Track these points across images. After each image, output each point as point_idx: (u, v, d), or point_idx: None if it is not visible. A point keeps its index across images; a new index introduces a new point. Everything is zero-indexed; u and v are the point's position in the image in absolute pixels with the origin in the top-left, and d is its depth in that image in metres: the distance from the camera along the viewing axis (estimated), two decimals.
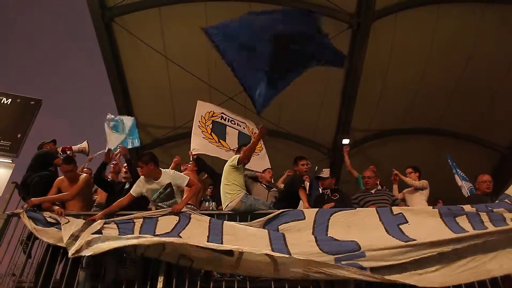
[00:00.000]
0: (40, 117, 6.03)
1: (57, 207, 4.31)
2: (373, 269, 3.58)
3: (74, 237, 3.88)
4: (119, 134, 6.14)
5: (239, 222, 4.18)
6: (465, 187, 7.10)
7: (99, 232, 3.87)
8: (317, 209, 4.29)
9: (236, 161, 4.57)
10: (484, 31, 8.95)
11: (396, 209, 4.18)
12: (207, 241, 3.77)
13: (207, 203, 5.94)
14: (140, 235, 3.78)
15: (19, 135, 5.36)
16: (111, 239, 3.75)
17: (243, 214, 4.33)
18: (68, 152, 5.59)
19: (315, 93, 10.22)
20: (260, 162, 6.65)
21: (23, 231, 4.38)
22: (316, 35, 4.01)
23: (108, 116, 6.26)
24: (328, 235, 3.89)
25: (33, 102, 5.71)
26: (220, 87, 9.47)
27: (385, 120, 11.12)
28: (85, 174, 4.93)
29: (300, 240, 3.83)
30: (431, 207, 4.17)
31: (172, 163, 6.17)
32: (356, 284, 3.85)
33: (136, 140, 6.31)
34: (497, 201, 4.32)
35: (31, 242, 4.40)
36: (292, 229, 4.01)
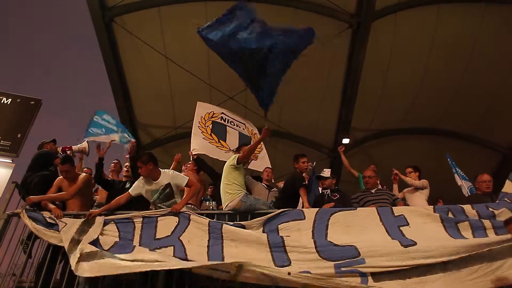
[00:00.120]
0: (40, 117, 6.03)
1: (53, 207, 4.31)
2: (373, 274, 3.55)
3: (76, 241, 3.88)
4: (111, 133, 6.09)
5: (239, 221, 4.18)
6: (465, 186, 7.09)
7: (97, 240, 3.87)
8: (317, 209, 4.29)
9: (236, 160, 4.57)
10: (485, 31, 8.95)
11: (397, 210, 4.17)
12: (208, 245, 3.82)
13: (207, 202, 5.94)
14: (135, 258, 3.68)
15: (19, 135, 5.35)
16: (107, 256, 3.72)
17: (243, 214, 4.33)
18: (68, 152, 5.58)
19: (315, 93, 10.23)
20: (260, 162, 6.66)
21: (23, 231, 4.38)
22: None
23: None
24: (328, 237, 3.88)
25: (33, 102, 5.71)
26: (220, 86, 9.47)
27: (385, 119, 11.12)
28: (84, 174, 4.93)
29: (300, 243, 3.82)
30: (432, 209, 4.14)
31: (174, 161, 6.17)
32: None
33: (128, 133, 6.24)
34: (497, 201, 4.32)
35: (31, 242, 4.40)
36: (292, 228, 4.01)
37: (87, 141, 6.00)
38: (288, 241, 3.83)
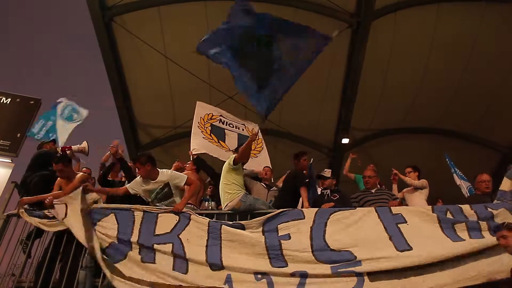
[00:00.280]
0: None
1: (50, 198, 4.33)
2: (370, 274, 3.57)
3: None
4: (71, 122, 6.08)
5: (238, 221, 4.18)
6: (464, 186, 7.09)
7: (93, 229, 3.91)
8: (317, 208, 4.29)
9: (232, 160, 4.58)
10: (485, 30, 8.94)
11: (395, 209, 4.18)
12: (206, 245, 3.84)
13: (206, 202, 5.93)
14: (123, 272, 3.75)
15: (18, 135, 5.37)
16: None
17: (242, 214, 4.33)
18: (68, 152, 5.58)
19: (315, 93, 10.22)
20: (260, 161, 6.65)
21: (22, 231, 4.38)
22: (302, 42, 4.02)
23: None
24: (326, 237, 3.88)
25: (32, 102, 5.72)
26: (220, 86, 9.47)
27: (385, 119, 11.12)
28: (81, 173, 4.91)
29: (297, 246, 3.84)
30: (431, 208, 4.14)
31: (173, 167, 6.16)
32: None
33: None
34: (495, 201, 4.31)
35: (31, 242, 4.40)
36: (291, 228, 4.01)
37: (86, 141, 6.00)
38: (285, 244, 3.85)
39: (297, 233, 3.95)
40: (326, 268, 3.62)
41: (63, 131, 5.99)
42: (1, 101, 5.57)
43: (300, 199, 4.79)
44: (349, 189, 6.29)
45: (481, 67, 9.50)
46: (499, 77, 9.78)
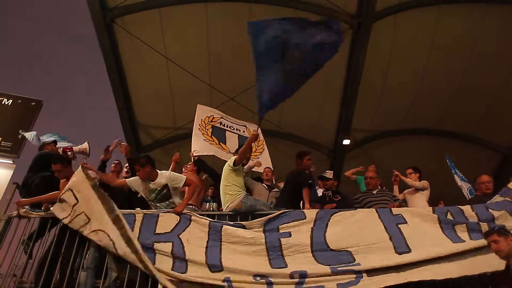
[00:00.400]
0: (41, 117, 6.05)
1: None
2: (368, 271, 3.60)
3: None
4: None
5: (239, 222, 4.19)
6: (465, 187, 7.10)
7: None
8: (318, 209, 4.30)
9: (233, 162, 4.59)
10: (485, 32, 8.95)
11: (396, 210, 4.20)
12: (206, 246, 3.86)
13: (207, 204, 5.93)
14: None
15: (20, 136, 5.36)
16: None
17: (244, 215, 4.33)
18: (69, 153, 5.59)
19: (315, 94, 10.21)
20: (260, 162, 6.66)
21: (23, 232, 4.38)
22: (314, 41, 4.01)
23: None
24: (326, 237, 3.91)
25: (33, 103, 5.73)
26: (220, 87, 9.49)
27: (386, 120, 11.12)
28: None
29: (297, 247, 3.86)
30: (431, 209, 4.15)
31: (172, 162, 6.17)
32: None
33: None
34: (496, 196, 4.29)
35: (32, 242, 4.40)
36: (292, 228, 4.03)
37: (87, 142, 6.01)
38: (285, 243, 3.87)
39: (297, 233, 3.97)
40: (325, 268, 3.65)
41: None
42: (3, 103, 5.59)
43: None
44: (349, 190, 6.30)
45: (481, 68, 9.52)
46: (499, 78, 9.79)
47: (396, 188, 6.04)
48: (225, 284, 3.58)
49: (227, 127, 7.22)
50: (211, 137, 6.71)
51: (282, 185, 5.83)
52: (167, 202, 4.43)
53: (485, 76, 9.69)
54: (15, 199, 4.50)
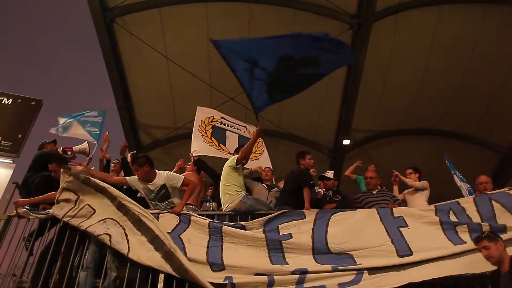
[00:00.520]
0: (41, 117, 6.03)
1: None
2: (369, 270, 3.61)
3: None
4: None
5: (239, 222, 4.19)
6: (464, 188, 7.08)
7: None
8: (318, 209, 4.30)
9: (235, 161, 4.58)
10: (485, 32, 8.96)
11: (397, 212, 4.20)
12: (207, 245, 3.86)
13: (207, 203, 5.93)
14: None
15: (20, 136, 5.35)
16: None
17: (243, 215, 4.33)
18: (69, 153, 5.61)
19: (315, 94, 10.19)
20: (261, 163, 6.66)
21: (23, 232, 4.38)
22: (323, 52, 4.05)
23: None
24: (327, 238, 3.91)
25: (33, 103, 5.71)
26: (220, 87, 9.49)
27: (386, 120, 11.13)
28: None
29: (298, 247, 3.87)
30: (434, 209, 4.15)
31: (176, 167, 6.17)
32: None
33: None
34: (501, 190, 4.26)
35: (33, 240, 4.39)
36: (292, 228, 4.03)
37: (87, 142, 6.02)
38: (286, 244, 3.88)
39: (298, 233, 3.98)
40: (326, 267, 3.67)
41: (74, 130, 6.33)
42: (3, 102, 5.56)
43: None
44: (350, 190, 6.29)
45: (481, 68, 9.52)
46: (499, 78, 9.79)
47: (396, 188, 6.04)
48: (226, 282, 3.58)
49: (227, 126, 7.22)
50: (211, 139, 6.71)
51: (282, 185, 5.83)
52: (167, 202, 4.44)
53: (485, 76, 9.68)
54: (15, 198, 4.49)
